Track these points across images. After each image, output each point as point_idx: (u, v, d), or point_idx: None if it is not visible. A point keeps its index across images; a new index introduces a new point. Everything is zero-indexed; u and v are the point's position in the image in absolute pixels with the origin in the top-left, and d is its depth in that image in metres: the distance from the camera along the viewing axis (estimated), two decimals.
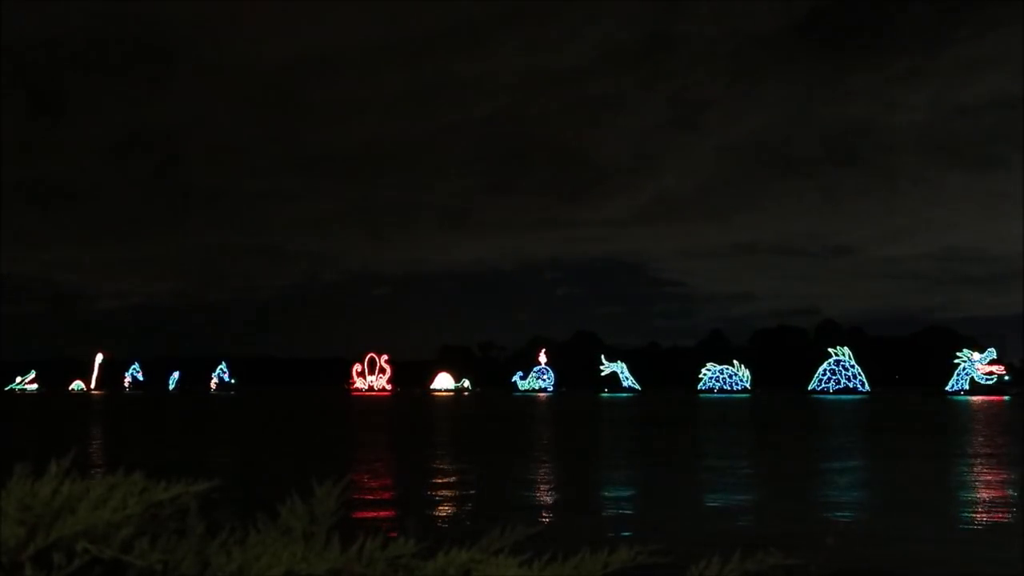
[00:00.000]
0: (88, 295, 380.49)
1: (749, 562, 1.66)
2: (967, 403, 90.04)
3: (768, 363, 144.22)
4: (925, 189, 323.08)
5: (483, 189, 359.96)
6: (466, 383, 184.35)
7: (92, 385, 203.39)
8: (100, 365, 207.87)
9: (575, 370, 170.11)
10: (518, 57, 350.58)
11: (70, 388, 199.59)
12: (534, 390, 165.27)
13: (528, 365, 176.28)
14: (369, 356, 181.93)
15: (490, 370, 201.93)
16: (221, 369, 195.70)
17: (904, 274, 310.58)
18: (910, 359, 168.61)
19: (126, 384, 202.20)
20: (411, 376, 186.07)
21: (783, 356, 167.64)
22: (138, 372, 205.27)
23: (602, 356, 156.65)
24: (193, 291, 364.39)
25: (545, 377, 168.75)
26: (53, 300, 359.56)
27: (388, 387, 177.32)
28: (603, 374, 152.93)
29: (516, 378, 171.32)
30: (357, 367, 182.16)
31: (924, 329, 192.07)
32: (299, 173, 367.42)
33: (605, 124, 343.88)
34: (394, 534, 1.57)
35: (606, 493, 20.33)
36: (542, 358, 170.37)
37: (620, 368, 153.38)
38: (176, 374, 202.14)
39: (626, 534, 13.80)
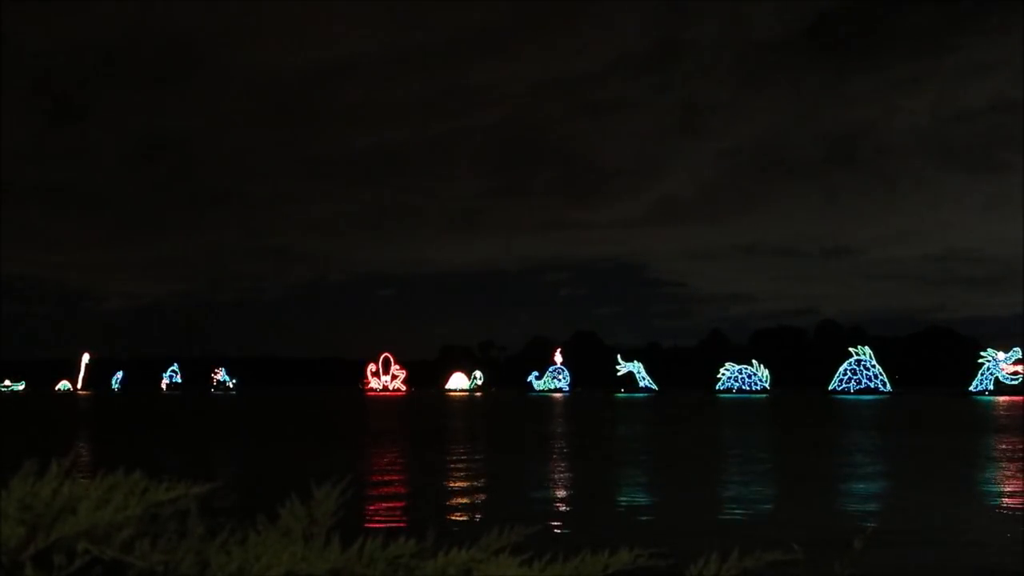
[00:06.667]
0: (96, 296, 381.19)
1: (747, 560, 1.64)
2: (994, 403, 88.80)
3: (768, 363, 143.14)
4: (925, 191, 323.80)
5: (489, 192, 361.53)
6: (477, 374, 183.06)
7: (79, 385, 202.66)
8: (87, 365, 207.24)
9: (577, 370, 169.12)
10: (528, 64, 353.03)
11: (56, 388, 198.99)
12: (550, 390, 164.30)
13: (530, 365, 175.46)
14: (384, 356, 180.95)
15: (499, 370, 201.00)
16: (222, 373, 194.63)
17: (904, 275, 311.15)
18: (910, 360, 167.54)
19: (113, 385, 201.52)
20: (415, 376, 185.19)
21: (783, 356, 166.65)
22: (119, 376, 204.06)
23: (618, 356, 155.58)
24: (201, 292, 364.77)
25: (561, 377, 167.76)
26: (62, 301, 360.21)
27: (403, 387, 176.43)
28: (619, 374, 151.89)
29: (532, 378, 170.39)
30: (371, 367, 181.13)
31: (924, 330, 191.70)
32: (306, 175, 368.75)
33: (610, 128, 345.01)
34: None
35: None
36: (557, 358, 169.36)
37: (637, 368, 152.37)
38: (167, 374, 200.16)
39: None
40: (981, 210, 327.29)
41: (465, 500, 20.08)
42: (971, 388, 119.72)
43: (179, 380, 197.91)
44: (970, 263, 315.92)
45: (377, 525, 14.91)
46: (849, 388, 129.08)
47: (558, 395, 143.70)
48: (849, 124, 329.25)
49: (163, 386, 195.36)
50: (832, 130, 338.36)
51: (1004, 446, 35.50)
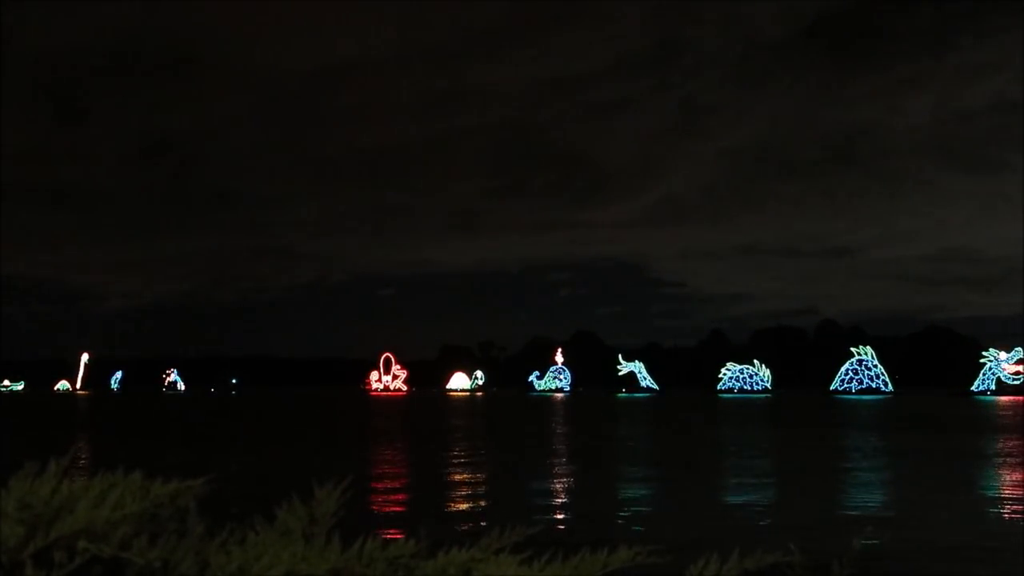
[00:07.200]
0: (96, 296, 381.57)
1: (748, 560, 1.64)
2: (996, 404, 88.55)
3: (768, 363, 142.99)
4: (925, 191, 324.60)
5: (490, 192, 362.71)
6: (478, 374, 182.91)
7: (78, 385, 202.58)
8: (86, 365, 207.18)
9: (578, 370, 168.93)
10: (528, 64, 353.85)
11: (55, 388, 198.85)
12: (551, 390, 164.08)
13: (530, 365, 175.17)
14: (384, 356, 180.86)
15: (499, 370, 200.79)
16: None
17: (904, 275, 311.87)
18: (910, 360, 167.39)
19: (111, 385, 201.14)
20: (416, 376, 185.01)
21: (783, 356, 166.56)
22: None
23: (620, 356, 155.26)
24: (201, 292, 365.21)
25: (562, 377, 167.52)
26: (62, 301, 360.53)
27: (404, 387, 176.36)
28: (620, 374, 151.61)
29: (532, 378, 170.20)
30: (375, 374, 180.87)
31: (924, 330, 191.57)
32: (308, 176, 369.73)
33: (612, 128, 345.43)
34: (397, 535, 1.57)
35: None
36: (558, 358, 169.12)
37: (638, 368, 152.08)
38: (174, 373, 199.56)
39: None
40: (981, 210, 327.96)
41: (466, 500, 20.03)
42: (973, 388, 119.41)
43: (178, 380, 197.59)
44: (970, 263, 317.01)
45: (377, 525, 14.81)
46: (850, 388, 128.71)
47: (559, 395, 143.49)
48: (849, 124, 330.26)
49: (164, 385, 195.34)
50: (832, 130, 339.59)
51: (1007, 446, 35.37)
